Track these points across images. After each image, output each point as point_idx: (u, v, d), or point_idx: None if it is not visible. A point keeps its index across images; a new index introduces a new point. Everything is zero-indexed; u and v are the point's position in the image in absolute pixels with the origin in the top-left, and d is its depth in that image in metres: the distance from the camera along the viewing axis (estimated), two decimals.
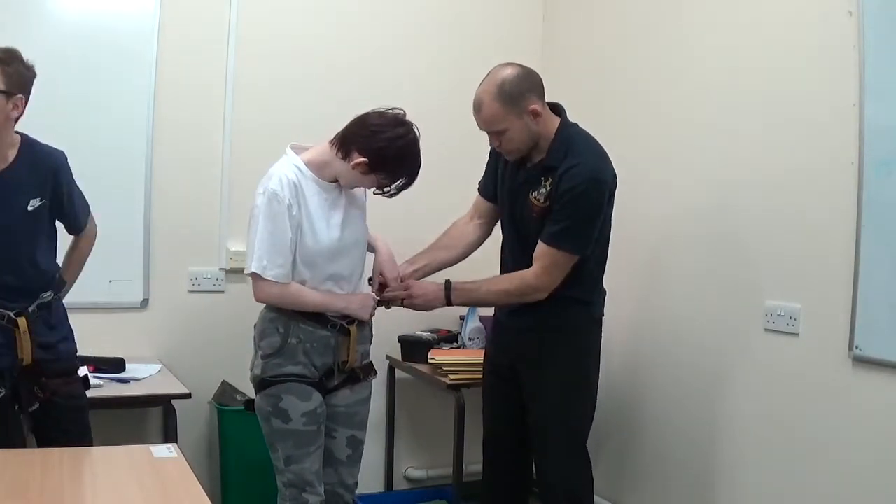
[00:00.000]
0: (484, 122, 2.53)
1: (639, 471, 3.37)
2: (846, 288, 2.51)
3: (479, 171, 4.11)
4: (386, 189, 2.43)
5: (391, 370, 3.66)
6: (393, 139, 2.35)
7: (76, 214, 2.49)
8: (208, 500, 1.78)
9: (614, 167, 2.62)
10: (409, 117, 2.42)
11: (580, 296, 2.65)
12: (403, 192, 2.46)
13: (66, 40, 3.14)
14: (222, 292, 3.48)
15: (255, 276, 2.37)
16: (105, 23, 3.24)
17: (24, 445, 2.38)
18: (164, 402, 2.93)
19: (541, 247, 2.54)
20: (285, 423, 2.40)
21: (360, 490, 2.73)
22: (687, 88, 3.17)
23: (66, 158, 2.42)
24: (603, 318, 2.82)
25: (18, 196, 2.30)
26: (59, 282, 2.47)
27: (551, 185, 2.52)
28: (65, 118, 2.74)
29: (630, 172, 3.45)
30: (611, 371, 3.52)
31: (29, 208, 2.30)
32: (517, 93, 2.47)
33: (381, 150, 2.34)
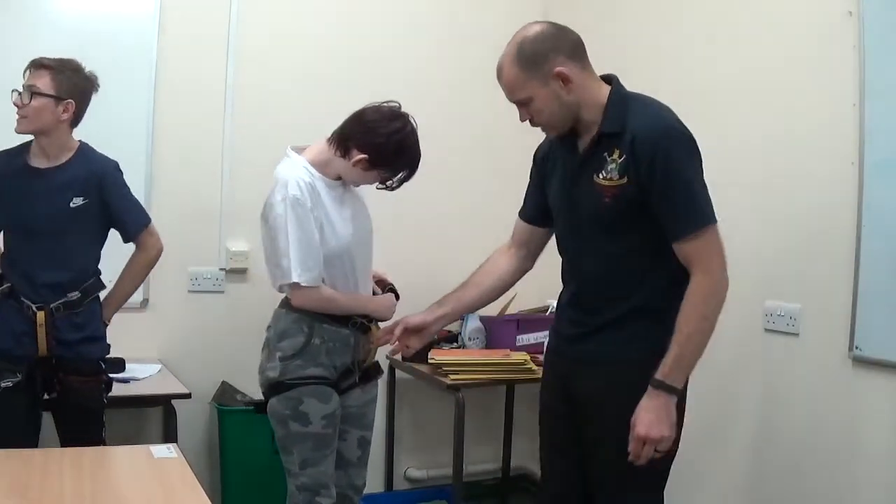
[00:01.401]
0: (506, 89, 2.10)
1: None
2: (846, 288, 2.51)
3: (479, 171, 4.11)
4: (388, 183, 2.43)
5: (391, 370, 3.66)
6: (391, 133, 2.35)
7: (125, 223, 2.62)
8: (208, 500, 1.78)
9: None
10: (390, 103, 2.42)
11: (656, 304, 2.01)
12: (398, 191, 2.47)
13: (66, 40, 3.13)
14: (222, 292, 3.48)
15: (295, 285, 2.35)
16: (105, 23, 3.24)
17: (36, 435, 2.50)
18: (164, 402, 2.93)
19: (682, 248, 1.92)
20: (304, 427, 2.37)
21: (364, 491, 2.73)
22: (687, 89, 3.17)
23: (118, 168, 2.61)
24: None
25: (64, 193, 2.47)
26: (94, 285, 2.57)
27: (622, 157, 1.95)
28: None
29: None
30: None
31: (71, 205, 2.47)
32: (539, 53, 2.00)
33: (379, 145, 2.34)
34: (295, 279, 2.32)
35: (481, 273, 2.34)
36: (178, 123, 3.37)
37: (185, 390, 2.96)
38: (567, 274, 2.19)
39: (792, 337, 2.70)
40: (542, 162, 2.26)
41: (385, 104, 2.40)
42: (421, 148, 2.42)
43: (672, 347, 1.92)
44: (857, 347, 2.48)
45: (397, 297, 2.60)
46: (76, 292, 2.51)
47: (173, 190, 3.37)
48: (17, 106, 2.41)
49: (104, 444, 2.53)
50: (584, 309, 2.08)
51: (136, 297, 3.33)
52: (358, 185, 2.49)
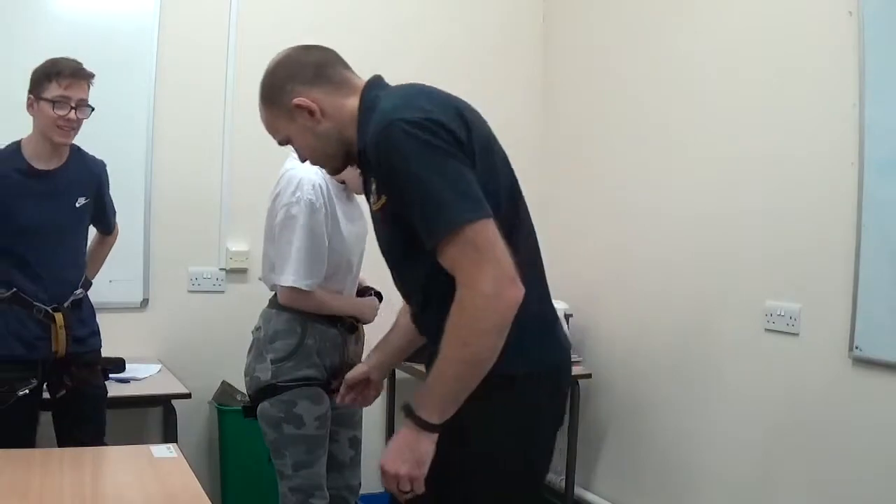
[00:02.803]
0: (267, 131, 1.80)
1: (639, 471, 3.37)
2: (846, 288, 2.51)
3: None
4: None
5: (392, 370, 3.65)
6: None
7: (110, 218, 2.76)
8: (208, 500, 1.78)
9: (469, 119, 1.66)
10: None
11: None
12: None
13: (66, 40, 3.13)
14: (222, 292, 3.48)
15: (292, 288, 2.37)
16: (105, 23, 3.24)
17: (34, 435, 2.51)
18: (164, 402, 2.94)
19: (441, 260, 1.51)
20: (298, 429, 2.38)
21: (360, 490, 2.73)
22: (687, 88, 3.17)
23: (106, 167, 2.69)
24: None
25: (70, 194, 2.52)
26: (87, 280, 2.64)
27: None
28: None
29: (629, 172, 3.47)
30: (611, 371, 3.53)
31: (77, 205, 2.53)
32: (276, 87, 1.70)
33: None
34: (292, 283, 2.33)
35: (402, 310, 1.97)
36: (178, 123, 3.37)
37: (185, 390, 2.96)
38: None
39: (792, 337, 2.70)
40: None
41: None
42: None
43: (430, 373, 1.56)
44: (857, 347, 2.48)
45: (380, 299, 2.62)
46: (80, 289, 2.56)
47: (173, 189, 3.37)
48: (72, 121, 2.40)
49: (105, 440, 2.57)
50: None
51: (136, 297, 3.35)
52: (360, 193, 2.49)
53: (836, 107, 2.55)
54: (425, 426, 1.51)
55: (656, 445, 3.28)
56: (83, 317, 2.57)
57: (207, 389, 3.36)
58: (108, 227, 2.78)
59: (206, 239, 3.46)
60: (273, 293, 2.52)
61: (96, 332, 2.64)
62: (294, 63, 1.71)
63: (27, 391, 2.39)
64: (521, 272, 1.48)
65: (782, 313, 2.73)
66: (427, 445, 1.51)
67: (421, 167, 1.48)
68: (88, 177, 2.58)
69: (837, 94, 2.55)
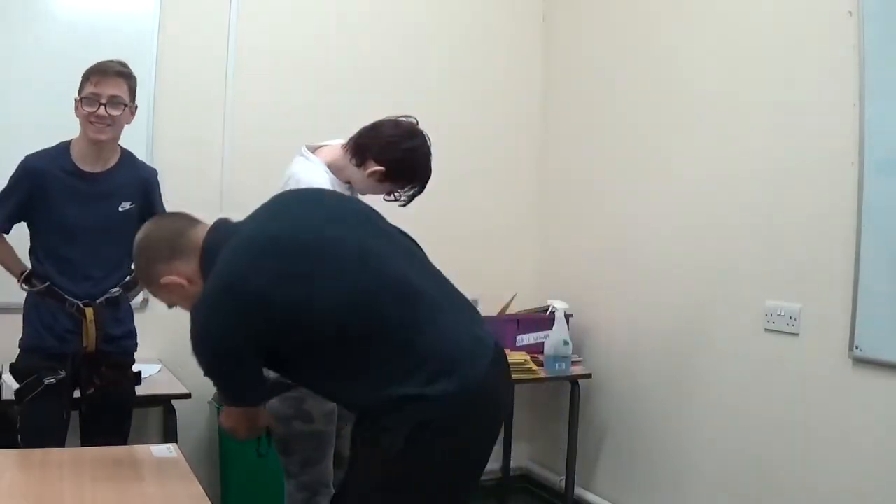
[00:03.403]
0: None
1: (639, 471, 3.37)
2: (846, 288, 2.51)
3: (478, 172, 4.12)
4: (397, 196, 2.44)
5: None
6: (410, 150, 2.37)
7: None
8: (208, 500, 1.78)
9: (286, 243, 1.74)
10: (402, 114, 2.43)
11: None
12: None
13: (66, 40, 3.14)
14: None
15: None
16: (105, 23, 3.24)
17: (65, 432, 2.52)
18: (164, 402, 2.94)
19: None
20: (307, 425, 2.38)
21: None
22: (687, 88, 3.17)
23: (157, 174, 2.72)
24: None
25: (114, 198, 2.55)
26: (131, 282, 2.61)
27: None
28: (65, 118, 2.74)
29: (630, 172, 3.47)
30: (611, 371, 3.53)
31: (120, 209, 2.55)
32: (145, 272, 1.87)
33: (398, 160, 2.36)
34: None
35: None
36: (178, 123, 3.36)
37: (185, 390, 2.96)
38: None
39: (792, 337, 2.70)
40: None
41: (403, 119, 2.42)
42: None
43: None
44: (857, 347, 2.48)
45: None
46: (117, 288, 2.56)
47: (173, 189, 3.34)
48: (104, 117, 2.45)
49: (127, 439, 2.60)
50: None
51: (136, 297, 3.34)
52: (366, 194, 2.49)
53: (836, 107, 2.55)
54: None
55: (656, 445, 3.28)
56: (119, 316, 2.60)
57: (207, 389, 3.32)
58: None
59: None
60: None
61: (132, 335, 2.67)
62: (150, 245, 1.86)
63: (54, 381, 2.43)
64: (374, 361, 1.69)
65: (782, 313, 2.73)
66: (241, 417, 1.99)
67: (215, 375, 1.85)
68: (135, 182, 2.60)
69: (837, 94, 2.55)
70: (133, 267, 1.92)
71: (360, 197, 2.53)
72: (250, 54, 3.47)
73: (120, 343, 2.60)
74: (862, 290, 2.47)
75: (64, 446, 2.40)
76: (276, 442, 2.45)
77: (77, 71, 3.12)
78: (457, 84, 3.83)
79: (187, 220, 1.88)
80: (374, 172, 2.37)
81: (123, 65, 2.52)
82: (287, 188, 2.39)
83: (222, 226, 1.84)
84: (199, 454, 3.36)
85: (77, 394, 2.55)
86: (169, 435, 2.87)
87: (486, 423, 1.77)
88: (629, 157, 3.47)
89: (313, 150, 2.46)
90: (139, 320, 3.37)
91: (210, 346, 1.77)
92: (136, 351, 2.69)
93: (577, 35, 3.84)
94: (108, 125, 2.47)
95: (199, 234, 1.82)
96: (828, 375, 2.58)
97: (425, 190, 2.47)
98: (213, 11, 3.42)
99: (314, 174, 2.35)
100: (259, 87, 3.50)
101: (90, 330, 2.50)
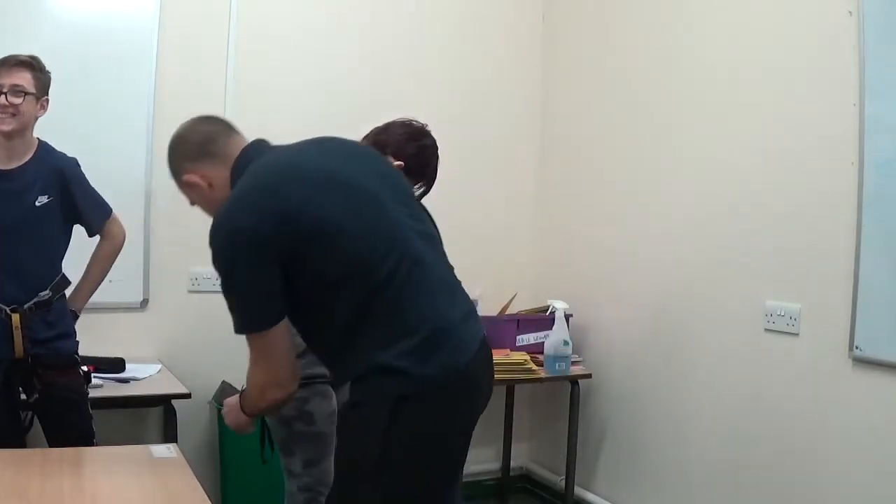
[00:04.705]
0: None
1: (639, 471, 3.37)
2: (846, 288, 2.51)
3: (479, 172, 4.11)
4: None
5: None
6: (423, 147, 2.39)
7: (89, 216, 2.62)
8: (208, 500, 1.78)
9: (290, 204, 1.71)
10: (409, 116, 2.44)
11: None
12: None
13: (66, 40, 3.14)
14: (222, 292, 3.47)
15: None
16: (105, 23, 3.24)
17: (20, 437, 2.49)
18: (164, 402, 2.93)
19: None
20: (309, 426, 2.39)
21: None
22: (687, 88, 3.17)
23: (77, 164, 2.59)
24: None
25: (28, 192, 2.44)
26: (62, 282, 2.54)
27: None
28: (65, 118, 2.75)
29: (629, 172, 3.47)
30: (611, 371, 3.53)
31: (37, 203, 2.45)
32: (173, 166, 1.95)
33: (412, 156, 2.37)
34: None
35: None
36: (178, 123, 3.34)
37: (185, 390, 2.95)
38: None
39: (792, 337, 2.70)
40: None
41: (411, 121, 2.43)
42: None
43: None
44: (857, 347, 2.48)
45: None
46: (47, 291, 2.48)
47: (173, 189, 3.34)
48: (5, 105, 2.37)
49: (94, 436, 2.53)
50: None
51: (136, 297, 3.34)
52: None
53: (836, 106, 2.55)
54: (244, 412, 1.90)
55: (656, 445, 3.28)
56: (50, 319, 2.49)
57: (207, 389, 3.35)
58: (90, 228, 2.64)
59: (206, 239, 3.42)
60: None
61: (67, 335, 2.55)
62: (182, 143, 1.94)
63: None
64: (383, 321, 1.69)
65: (782, 313, 2.73)
66: (245, 421, 1.94)
67: (225, 275, 1.74)
68: (50, 172, 2.48)
69: (837, 93, 2.55)
70: (169, 163, 1.93)
71: None
72: (250, 54, 3.47)
73: (51, 345, 2.49)
74: (862, 289, 2.47)
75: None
76: (278, 442, 2.45)
77: (77, 71, 3.15)
78: (457, 84, 3.83)
79: (225, 128, 1.93)
80: None
81: (33, 58, 2.45)
82: None
83: (262, 143, 1.89)
84: (199, 454, 3.36)
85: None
86: (169, 435, 2.87)
87: (464, 408, 1.77)
88: (628, 157, 3.47)
89: None
90: (139, 320, 3.39)
91: (231, 229, 1.71)
92: (75, 351, 2.57)
93: (577, 35, 3.84)
94: (12, 115, 2.38)
95: (234, 143, 1.87)
96: (828, 375, 2.57)
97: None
98: (213, 11, 3.42)
99: None
100: (260, 86, 3.50)
101: (17, 336, 2.41)
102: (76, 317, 2.63)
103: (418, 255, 1.76)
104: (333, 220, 1.70)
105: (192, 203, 1.96)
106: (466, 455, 1.85)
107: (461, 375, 1.72)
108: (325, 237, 1.69)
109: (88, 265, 2.67)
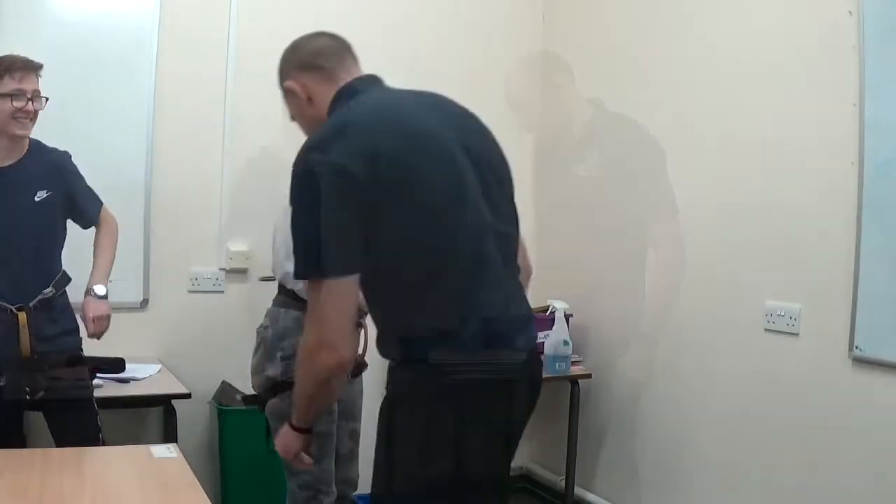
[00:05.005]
0: None
1: (639, 471, 3.37)
2: (846, 288, 2.51)
3: None
4: None
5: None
6: None
7: (86, 209, 2.63)
8: (208, 500, 1.77)
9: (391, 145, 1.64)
10: None
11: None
12: None
13: (67, 40, 3.14)
14: (222, 292, 3.48)
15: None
16: (105, 23, 3.24)
17: (19, 437, 2.49)
18: (164, 402, 2.93)
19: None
20: None
21: (359, 489, 2.73)
22: (686, 89, 3.17)
23: (70, 157, 2.59)
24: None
25: (27, 189, 2.45)
26: (63, 278, 2.55)
27: None
28: (65, 118, 2.75)
29: (630, 172, 3.47)
30: (611, 371, 3.53)
31: (36, 199, 2.46)
32: (281, 68, 1.93)
33: None
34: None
35: None
36: (178, 123, 3.36)
37: (185, 390, 2.96)
38: None
39: (792, 337, 2.70)
40: None
41: None
42: None
43: None
44: (857, 347, 2.48)
45: None
46: (50, 288, 2.49)
47: (173, 189, 3.37)
48: (29, 112, 2.39)
49: (102, 434, 2.53)
50: None
51: (136, 297, 3.34)
52: None
53: (836, 106, 2.55)
54: (294, 427, 1.80)
55: (656, 445, 3.28)
56: (54, 316, 2.50)
57: (207, 389, 3.35)
58: (86, 221, 2.65)
59: (206, 239, 3.45)
60: (278, 292, 2.52)
61: (71, 332, 2.57)
62: (296, 49, 1.90)
63: None
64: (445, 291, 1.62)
65: (782, 313, 2.73)
66: (294, 440, 1.81)
67: (297, 208, 1.60)
68: (47, 168, 2.50)
69: (837, 93, 2.55)
70: (280, 62, 1.90)
71: None
72: (251, 54, 3.46)
73: (57, 342, 2.50)
74: (862, 290, 2.47)
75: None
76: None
77: (77, 70, 3.15)
78: (456, 84, 3.81)
79: (343, 49, 1.90)
80: None
81: (29, 58, 2.45)
82: None
83: (376, 80, 1.86)
84: (199, 454, 3.36)
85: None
86: (169, 435, 2.87)
87: (497, 413, 1.70)
88: (628, 158, 3.47)
89: None
90: (139, 320, 3.39)
91: (320, 159, 1.58)
92: (79, 346, 2.58)
93: (577, 35, 3.84)
94: (31, 120, 2.41)
95: (347, 68, 1.85)
96: (828, 375, 2.57)
97: None
98: (213, 11, 3.42)
99: None
100: (261, 86, 3.48)
101: (24, 335, 2.41)
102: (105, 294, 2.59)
103: (489, 254, 1.69)
104: (422, 183, 1.62)
105: (292, 118, 1.92)
106: (502, 463, 1.79)
107: (500, 382, 1.67)
108: (407, 195, 1.60)
109: (99, 248, 2.64)
